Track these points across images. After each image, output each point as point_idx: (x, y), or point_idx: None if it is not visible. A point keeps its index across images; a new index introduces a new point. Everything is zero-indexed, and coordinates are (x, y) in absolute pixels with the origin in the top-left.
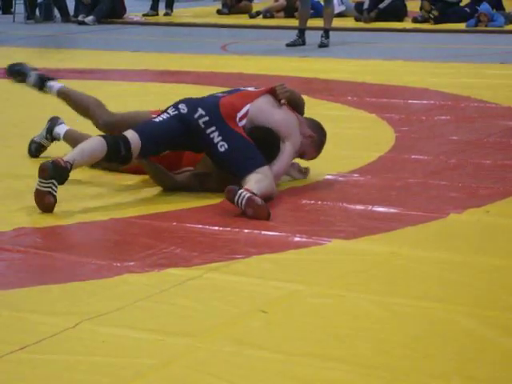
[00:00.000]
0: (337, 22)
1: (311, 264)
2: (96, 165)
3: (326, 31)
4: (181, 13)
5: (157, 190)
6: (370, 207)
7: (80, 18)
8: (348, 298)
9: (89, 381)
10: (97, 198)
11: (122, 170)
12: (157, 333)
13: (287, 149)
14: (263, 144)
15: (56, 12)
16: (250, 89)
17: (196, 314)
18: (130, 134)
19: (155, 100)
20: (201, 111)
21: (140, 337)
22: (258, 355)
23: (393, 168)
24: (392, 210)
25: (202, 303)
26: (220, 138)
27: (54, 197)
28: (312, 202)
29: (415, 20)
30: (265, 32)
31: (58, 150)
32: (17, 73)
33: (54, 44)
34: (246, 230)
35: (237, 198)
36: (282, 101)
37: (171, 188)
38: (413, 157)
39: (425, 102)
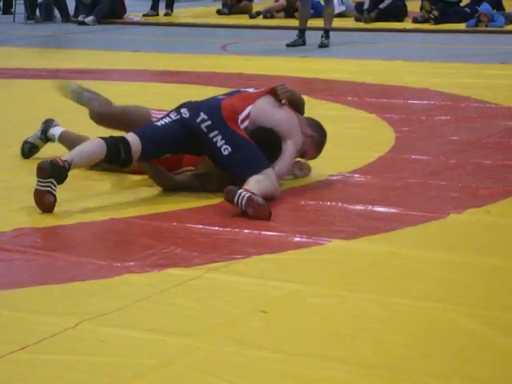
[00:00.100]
0: (337, 22)
1: (311, 264)
2: (96, 165)
3: (326, 31)
4: (181, 13)
5: (157, 189)
6: (369, 207)
7: (80, 18)
8: (348, 298)
9: (89, 381)
10: (97, 198)
11: (122, 170)
12: (157, 333)
13: (289, 148)
14: (265, 144)
15: (56, 12)
16: (250, 90)
17: (196, 314)
18: (131, 137)
19: (155, 100)
20: (203, 115)
21: (140, 337)
22: (258, 355)
23: (393, 168)
24: (392, 210)
25: (202, 303)
26: (223, 141)
27: (54, 196)
28: (312, 202)
29: (415, 20)
30: (265, 32)
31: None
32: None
33: (54, 44)
34: (246, 230)
35: (236, 198)
36: (283, 101)
37: (171, 188)
38: (413, 157)
39: (425, 102)
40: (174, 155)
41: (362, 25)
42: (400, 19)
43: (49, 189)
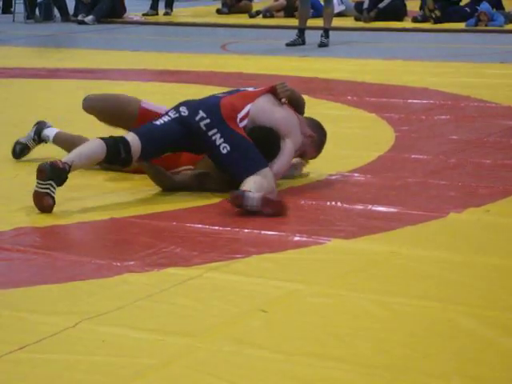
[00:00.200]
0: (337, 22)
1: (311, 263)
2: (96, 165)
3: (326, 31)
4: (180, 12)
5: (157, 189)
6: (369, 206)
7: (80, 17)
8: (348, 298)
9: (89, 380)
10: (97, 198)
11: (123, 169)
12: (157, 333)
13: (287, 147)
14: (263, 143)
15: (56, 11)
16: (249, 89)
17: (196, 314)
18: (131, 137)
19: (155, 99)
20: (202, 114)
21: (140, 337)
22: (257, 355)
23: (392, 167)
24: (392, 210)
25: (202, 303)
26: (222, 139)
27: (53, 198)
28: (312, 201)
29: (415, 19)
30: (265, 31)
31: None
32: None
33: (53, 43)
34: (245, 230)
35: (246, 201)
36: (283, 100)
37: (170, 188)
38: (412, 156)
39: (424, 101)
40: (171, 153)
41: (361, 24)
42: (399, 18)
43: (48, 191)
